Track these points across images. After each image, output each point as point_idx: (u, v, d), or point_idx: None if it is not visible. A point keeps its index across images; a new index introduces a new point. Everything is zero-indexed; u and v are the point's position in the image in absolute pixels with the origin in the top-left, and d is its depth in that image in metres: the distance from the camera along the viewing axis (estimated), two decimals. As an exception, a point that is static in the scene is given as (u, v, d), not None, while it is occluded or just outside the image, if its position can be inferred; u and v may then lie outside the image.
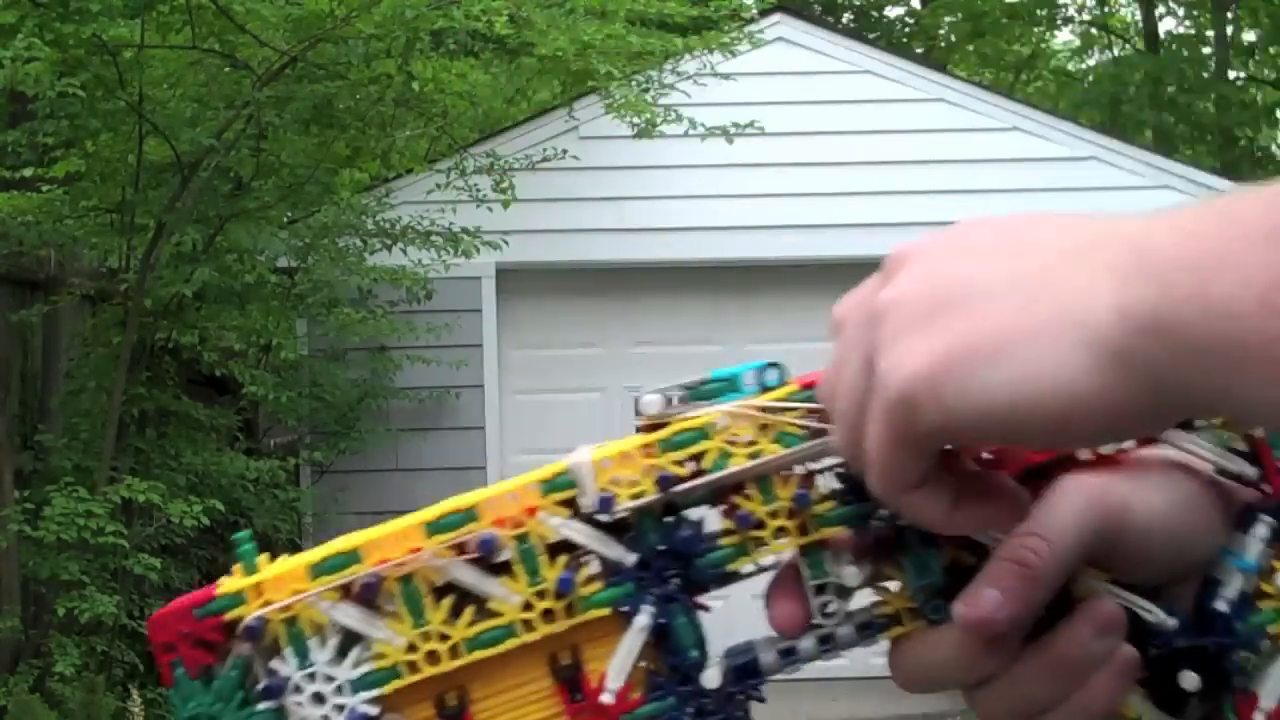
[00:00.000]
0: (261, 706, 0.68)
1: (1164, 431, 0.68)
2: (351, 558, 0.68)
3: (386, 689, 0.68)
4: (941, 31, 19.26)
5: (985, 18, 17.92)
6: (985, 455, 0.67)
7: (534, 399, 8.23)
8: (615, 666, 0.68)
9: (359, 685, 0.68)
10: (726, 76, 7.53)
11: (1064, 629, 0.65)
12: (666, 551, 0.68)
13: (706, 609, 0.69)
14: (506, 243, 7.42)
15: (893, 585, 0.69)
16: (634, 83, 7.07)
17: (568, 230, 8.11)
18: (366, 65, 6.93)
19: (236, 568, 0.69)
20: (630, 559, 0.68)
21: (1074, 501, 0.64)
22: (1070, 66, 20.79)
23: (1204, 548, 0.68)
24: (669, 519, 0.69)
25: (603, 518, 0.68)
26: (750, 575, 0.70)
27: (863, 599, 0.69)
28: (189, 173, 6.48)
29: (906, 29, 20.08)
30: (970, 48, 19.20)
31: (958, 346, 0.57)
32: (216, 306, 7.32)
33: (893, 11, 20.37)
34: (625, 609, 0.68)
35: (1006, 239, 0.60)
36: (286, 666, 0.68)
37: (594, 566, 0.69)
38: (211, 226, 6.80)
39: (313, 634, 0.68)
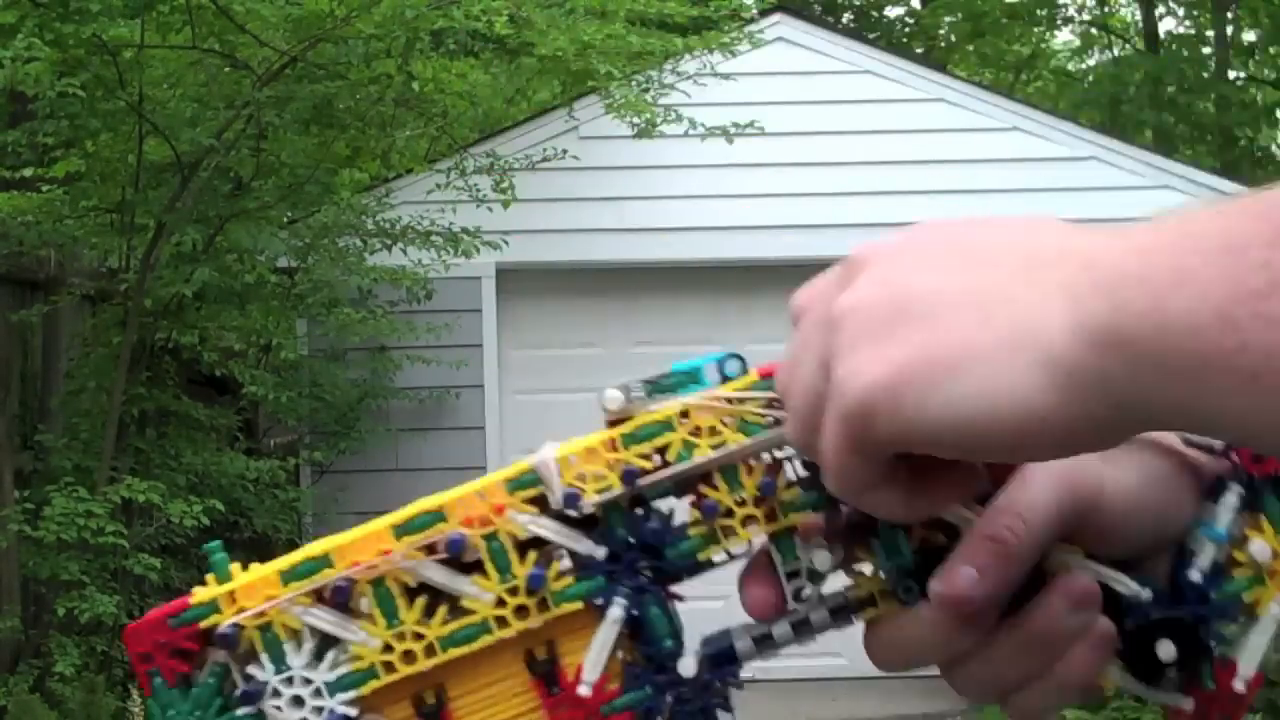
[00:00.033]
0: (240, 712, 0.69)
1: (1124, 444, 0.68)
2: (323, 562, 0.69)
3: (364, 690, 0.69)
4: (941, 31, 19.26)
5: (985, 18, 17.91)
6: None
7: (534, 399, 8.23)
8: (591, 659, 0.69)
9: (336, 687, 0.69)
10: (726, 76, 7.53)
11: (1039, 604, 0.66)
12: (636, 544, 0.69)
13: (680, 599, 0.70)
14: (506, 243, 7.42)
15: (865, 568, 0.69)
16: (634, 83, 7.07)
17: (568, 230, 8.11)
18: (366, 65, 6.93)
19: (210, 577, 0.70)
20: (600, 552, 0.69)
21: (1048, 480, 0.65)
22: (1070, 66, 20.78)
23: (1177, 524, 0.69)
24: (638, 511, 0.69)
25: (571, 513, 0.68)
26: (722, 564, 0.70)
27: (836, 583, 0.69)
28: (189, 173, 6.49)
29: (906, 29, 20.08)
30: (970, 48, 19.20)
31: (916, 360, 0.58)
32: (216, 306, 7.32)
33: (893, 11, 20.37)
34: (598, 602, 0.69)
35: (965, 249, 0.60)
36: (263, 672, 0.69)
37: (565, 562, 0.69)
38: (211, 226, 6.80)
39: (288, 639, 0.69)
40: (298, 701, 0.69)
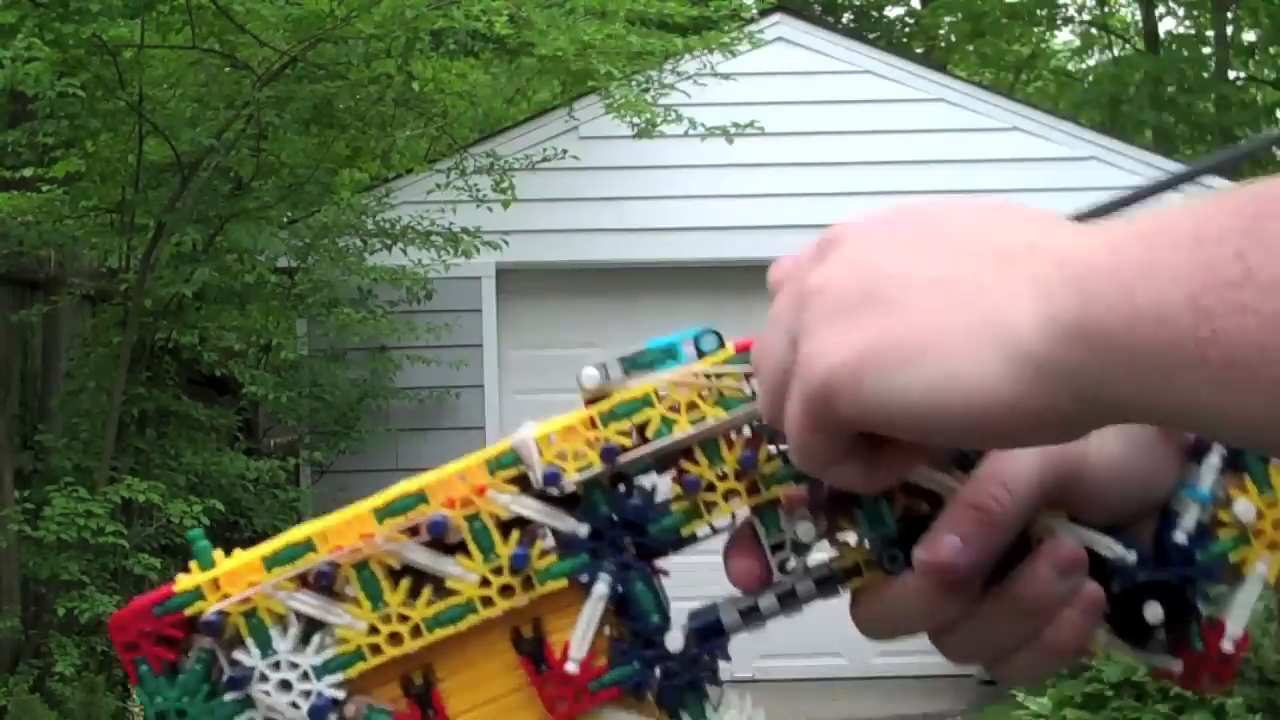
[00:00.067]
0: (228, 697, 0.69)
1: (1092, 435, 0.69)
2: (306, 547, 0.69)
3: (351, 672, 0.69)
4: (941, 31, 19.27)
5: (985, 18, 17.93)
6: None
7: (534, 399, 8.22)
8: (578, 636, 0.69)
9: (324, 670, 0.69)
10: (726, 76, 7.54)
11: (1026, 570, 0.66)
12: (619, 520, 0.69)
13: (665, 574, 0.70)
14: (506, 243, 7.42)
15: (850, 538, 0.70)
16: (634, 83, 7.07)
17: (568, 230, 8.11)
18: (366, 65, 6.94)
19: (193, 564, 0.70)
20: (583, 530, 0.69)
21: (1033, 449, 0.65)
22: (1070, 66, 20.79)
23: (1162, 488, 0.69)
24: (620, 488, 0.70)
25: (552, 492, 0.69)
26: (706, 538, 0.71)
27: (821, 554, 0.70)
28: (189, 173, 6.49)
29: (906, 29, 20.09)
30: (970, 48, 19.21)
31: (879, 343, 0.58)
32: (216, 306, 7.32)
33: (893, 11, 20.39)
34: (583, 579, 0.69)
35: (939, 234, 0.60)
36: (249, 657, 0.69)
37: (548, 540, 0.70)
38: (211, 226, 6.80)
39: (273, 624, 0.69)
40: (285, 685, 0.69)
